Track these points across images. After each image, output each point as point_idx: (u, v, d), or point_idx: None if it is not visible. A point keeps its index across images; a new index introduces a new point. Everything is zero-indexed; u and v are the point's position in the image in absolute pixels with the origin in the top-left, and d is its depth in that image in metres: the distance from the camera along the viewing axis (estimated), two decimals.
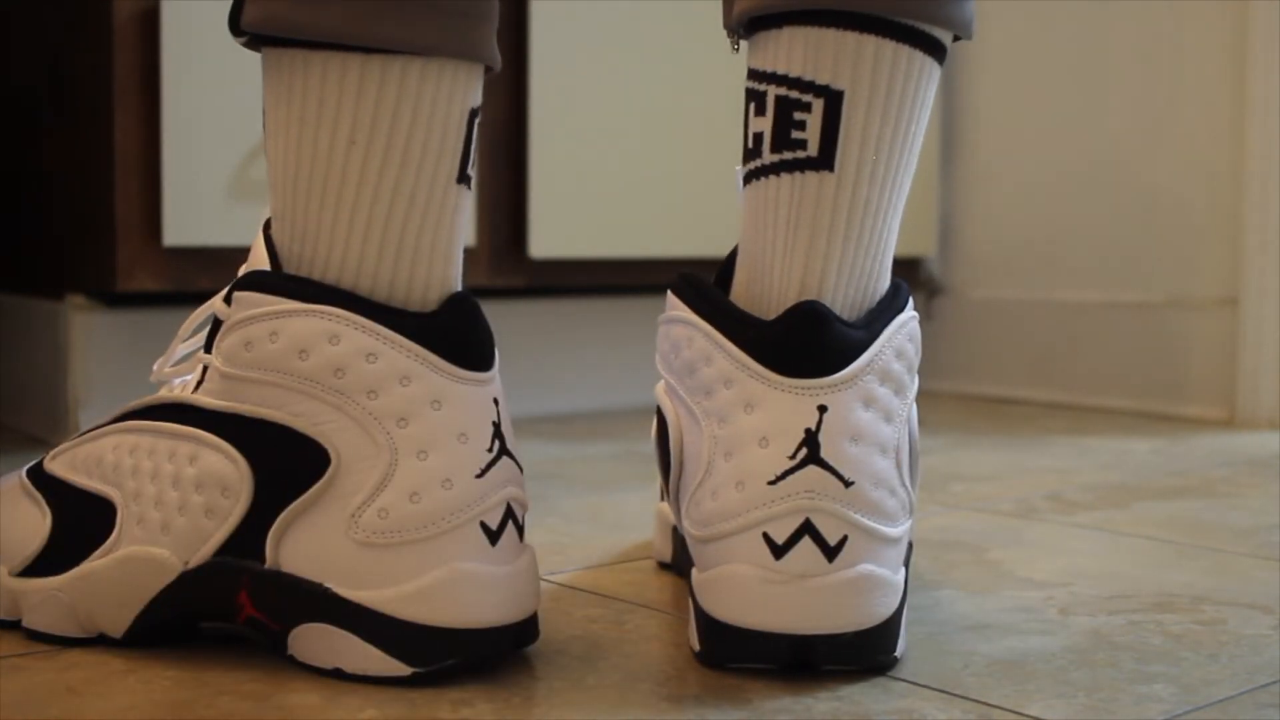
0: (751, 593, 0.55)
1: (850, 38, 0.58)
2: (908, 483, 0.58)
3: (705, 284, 0.60)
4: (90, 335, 1.17)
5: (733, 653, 0.57)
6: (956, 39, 0.62)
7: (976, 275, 1.66)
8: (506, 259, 1.32)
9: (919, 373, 0.63)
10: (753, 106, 0.60)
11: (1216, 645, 0.62)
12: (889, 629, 0.57)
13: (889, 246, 0.61)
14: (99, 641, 0.61)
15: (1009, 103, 1.62)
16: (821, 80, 0.58)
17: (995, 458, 1.16)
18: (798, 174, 0.59)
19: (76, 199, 1.19)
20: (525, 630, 0.58)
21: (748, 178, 0.61)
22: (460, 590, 0.55)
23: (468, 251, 1.29)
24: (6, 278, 1.35)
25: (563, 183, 1.33)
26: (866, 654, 0.56)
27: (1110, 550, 0.82)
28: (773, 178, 0.60)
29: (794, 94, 0.59)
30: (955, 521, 0.89)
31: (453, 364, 0.56)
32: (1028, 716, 0.53)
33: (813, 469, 0.55)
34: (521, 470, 0.58)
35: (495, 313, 1.43)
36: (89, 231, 1.16)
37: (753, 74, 0.60)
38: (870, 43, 0.58)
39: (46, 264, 1.26)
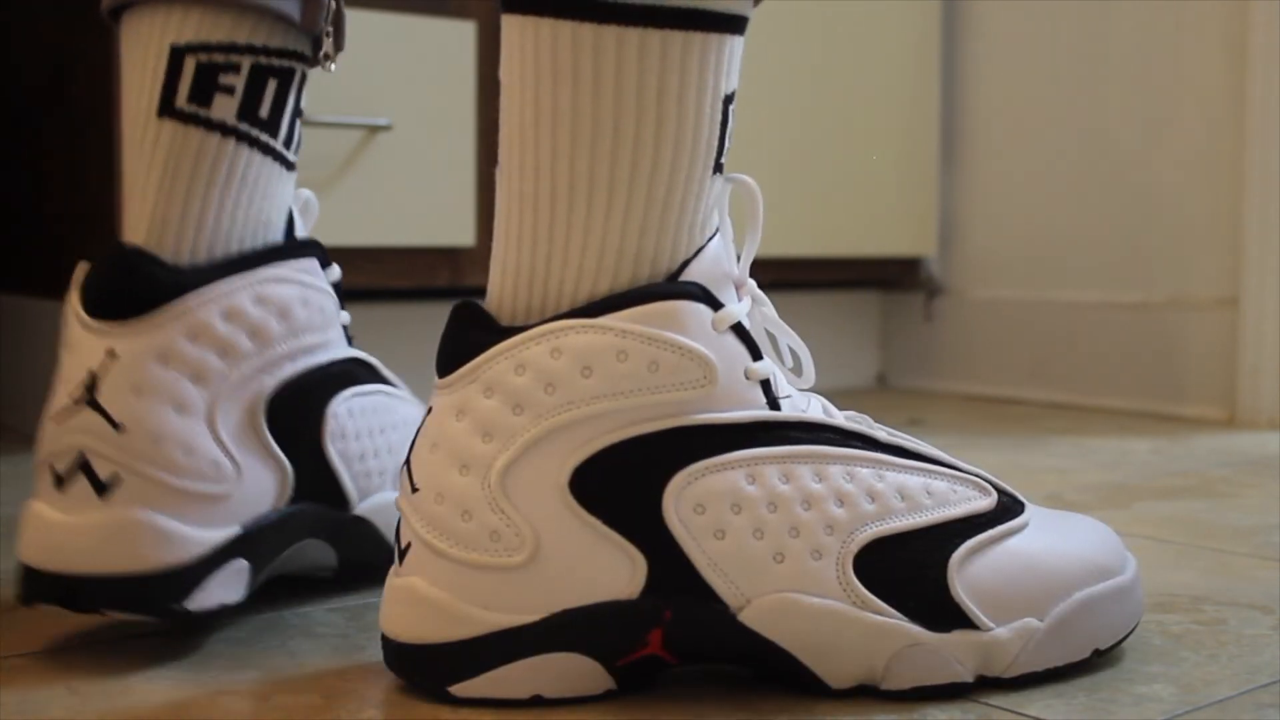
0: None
1: (514, 21, 0.54)
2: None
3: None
4: None
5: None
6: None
7: (976, 275, 1.66)
8: None
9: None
10: None
11: (1216, 645, 0.62)
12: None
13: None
14: (99, 641, 0.61)
15: (1009, 103, 1.62)
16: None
17: (995, 458, 1.16)
18: None
19: (76, 199, 1.19)
20: (81, 587, 0.57)
21: None
22: (24, 525, 0.59)
23: (467, 251, 1.29)
24: (6, 278, 1.35)
25: None
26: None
27: None
28: None
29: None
30: None
31: (87, 313, 0.58)
32: (1028, 716, 0.53)
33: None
34: (116, 427, 0.57)
35: None
36: (88, 231, 1.16)
37: None
38: (531, 25, 0.53)
39: (46, 264, 1.26)
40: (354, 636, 0.63)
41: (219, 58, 0.61)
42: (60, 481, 0.58)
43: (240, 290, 0.60)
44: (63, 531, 0.57)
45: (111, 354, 0.58)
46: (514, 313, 0.55)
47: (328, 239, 1.22)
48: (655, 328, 0.52)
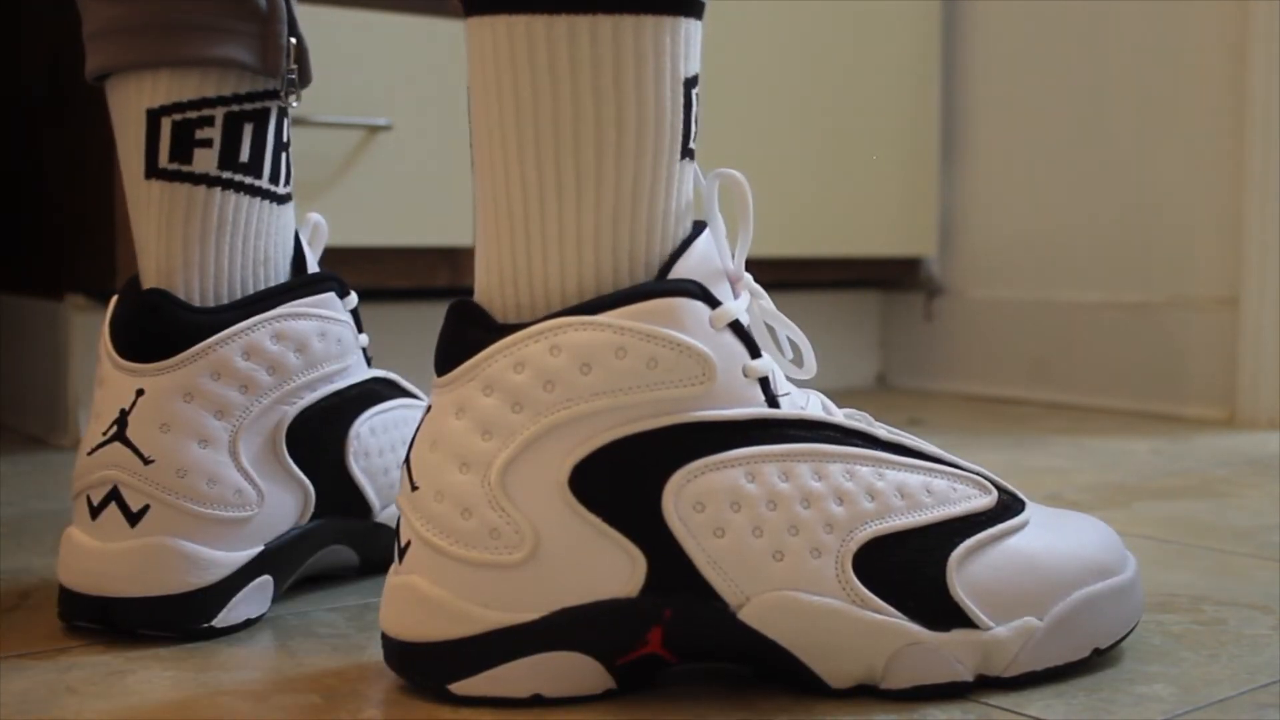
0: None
1: (482, 22, 0.54)
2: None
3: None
4: (90, 335, 1.17)
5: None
6: None
7: (976, 275, 1.66)
8: None
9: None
10: None
11: (1216, 645, 0.62)
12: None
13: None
14: (99, 641, 0.61)
15: (1009, 103, 1.62)
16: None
17: (995, 458, 1.16)
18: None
19: (76, 199, 1.19)
20: (115, 608, 0.61)
21: None
22: (63, 550, 0.63)
23: (468, 251, 1.29)
24: (6, 278, 1.35)
25: None
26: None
27: None
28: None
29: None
30: None
31: (118, 354, 0.63)
32: (1027, 716, 0.53)
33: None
34: (145, 460, 0.61)
35: None
36: (88, 231, 1.16)
37: None
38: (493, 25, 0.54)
39: (46, 264, 1.26)
40: (354, 636, 0.63)
41: (192, 114, 0.65)
42: (95, 511, 0.62)
43: (258, 328, 0.64)
44: (98, 557, 0.61)
45: (140, 393, 0.62)
46: (505, 310, 0.55)
47: (328, 239, 1.22)
48: (654, 325, 0.52)
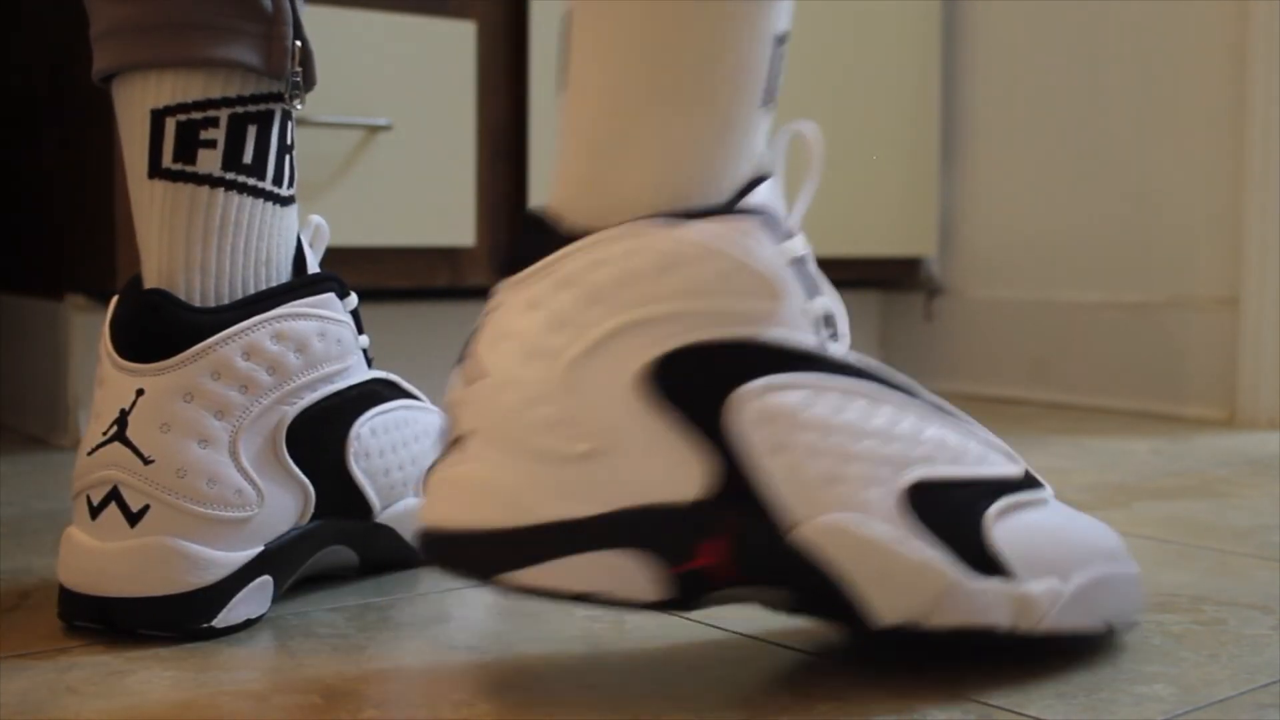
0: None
1: None
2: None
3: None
4: (90, 335, 1.17)
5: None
6: None
7: (976, 275, 1.66)
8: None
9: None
10: None
11: (1216, 645, 0.62)
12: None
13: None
14: (99, 641, 0.61)
15: (1009, 103, 1.62)
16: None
17: None
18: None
19: (76, 199, 1.19)
20: (115, 608, 0.61)
21: None
22: (63, 550, 0.63)
23: (467, 251, 1.29)
24: (6, 278, 1.35)
25: None
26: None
27: None
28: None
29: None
30: None
31: (119, 354, 0.63)
32: (1027, 716, 0.53)
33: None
34: (145, 460, 0.61)
35: None
36: (88, 231, 1.16)
37: None
38: None
39: (46, 264, 1.26)
40: (354, 636, 0.63)
41: (196, 115, 0.65)
42: (95, 511, 0.62)
43: (258, 328, 0.64)
44: (97, 557, 0.61)
45: (140, 393, 0.62)
46: (577, 219, 0.55)
47: (329, 240, 1.22)
48: (733, 241, 0.54)
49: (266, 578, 0.64)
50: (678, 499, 0.53)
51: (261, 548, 0.64)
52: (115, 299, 0.65)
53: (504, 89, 1.31)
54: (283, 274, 0.68)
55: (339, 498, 0.68)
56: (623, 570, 0.53)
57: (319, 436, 0.67)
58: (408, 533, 0.73)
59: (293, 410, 0.65)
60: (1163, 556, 0.80)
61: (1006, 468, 0.58)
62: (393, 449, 0.71)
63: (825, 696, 0.55)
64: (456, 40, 1.26)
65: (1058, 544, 0.57)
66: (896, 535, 0.54)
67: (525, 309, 0.54)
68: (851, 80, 1.57)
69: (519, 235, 0.56)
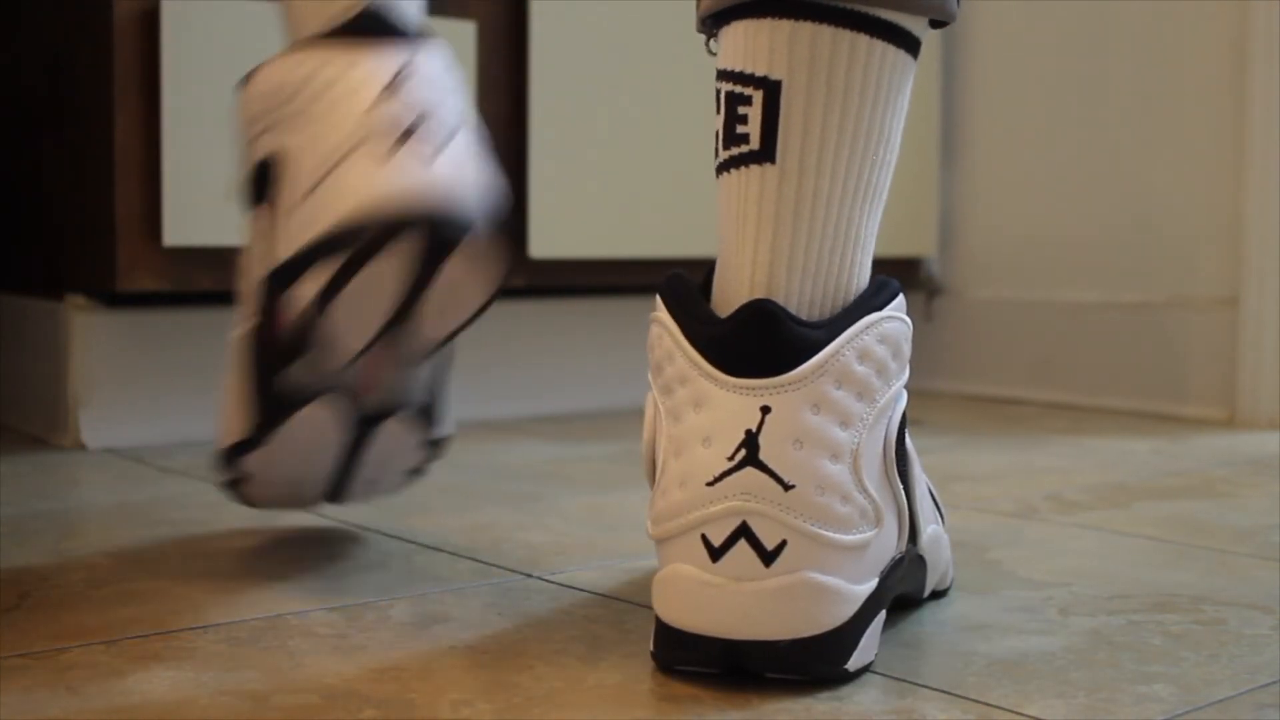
0: (689, 595, 0.55)
1: (786, 26, 0.57)
2: (872, 489, 0.56)
3: (685, 283, 0.59)
4: (90, 335, 1.17)
5: (674, 655, 0.57)
6: (939, 25, 0.61)
7: (976, 275, 1.66)
8: None
9: (915, 373, 0.65)
10: (717, 106, 0.61)
11: (1216, 645, 0.62)
12: (835, 639, 0.55)
13: (857, 242, 0.60)
14: (99, 641, 0.61)
15: (1009, 103, 1.62)
16: (760, 71, 0.58)
17: (995, 458, 1.16)
18: (744, 168, 0.59)
19: (76, 199, 1.19)
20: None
21: (717, 177, 0.61)
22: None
23: None
24: (6, 278, 1.35)
25: (563, 183, 1.33)
26: (809, 664, 0.55)
27: (1110, 550, 0.82)
28: (726, 174, 0.60)
29: (737, 88, 0.59)
30: (955, 521, 0.89)
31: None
32: (1028, 716, 0.53)
33: (750, 470, 0.54)
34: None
35: (495, 313, 1.43)
36: (89, 231, 1.16)
37: (717, 74, 0.61)
38: (807, 30, 0.57)
39: (46, 264, 1.26)
40: (354, 636, 0.63)
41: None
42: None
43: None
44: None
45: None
46: (800, 307, 0.59)
47: None
48: (905, 314, 0.60)
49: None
50: (897, 555, 0.60)
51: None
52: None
53: (504, 89, 1.31)
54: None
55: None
56: (878, 627, 0.59)
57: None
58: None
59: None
60: (1163, 556, 0.80)
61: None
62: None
63: (825, 697, 0.55)
64: (456, 40, 1.26)
65: (943, 549, 0.69)
66: (938, 523, 0.67)
67: (809, 410, 0.55)
68: None
69: (757, 329, 0.55)
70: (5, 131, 1.34)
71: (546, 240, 1.32)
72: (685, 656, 0.56)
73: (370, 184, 0.66)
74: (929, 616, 0.67)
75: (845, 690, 0.55)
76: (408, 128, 0.68)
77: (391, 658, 0.60)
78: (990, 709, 0.53)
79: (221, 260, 1.14)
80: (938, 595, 0.70)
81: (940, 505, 0.70)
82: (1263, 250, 1.39)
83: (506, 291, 1.41)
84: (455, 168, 0.68)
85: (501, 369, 1.42)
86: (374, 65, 0.69)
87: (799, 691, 0.55)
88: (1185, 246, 1.47)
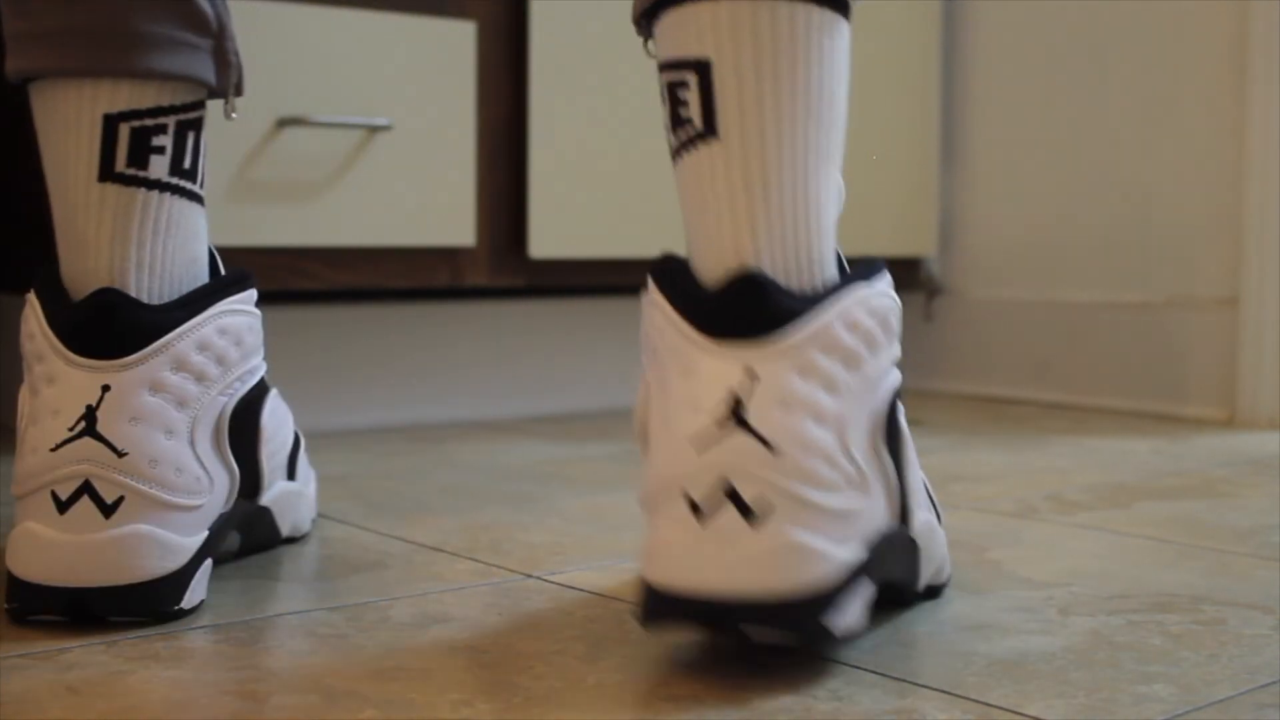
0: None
1: (708, 8, 0.59)
2: (859, 457, 0.58)
3: (676, 262, 0.60)
4: None
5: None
6: None
7: (976, 275, 1.66)
8: (506, 259, 1.32)
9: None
10: (662, 99, 0.62)
11: (1216, 645, 0.62)
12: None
13: (817, 203, 0.60)
14: (99, 641, 0.61)
15: (1009, 103, 1.62)
16: (691, 55, 0.59)
17: (995, 458, 1.16)
18: (693, 150, 0.60)
19: None
20: (90, 599, 0.62)
21: (674, 166, 0.62)
22: (22, 546, 0.63)
23: (467, 251, 1.29)
24: (4, 277, 1.35)
25: (563, 183, 1.33)
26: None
27: (1110, 550, 0.82)
28: (679, 161, 0.61)
29: (675, 75, 0.60)
30: (955, 521, 0.89)
31: (78, 353, 0.64)
32: (1028, 716, 0.53)
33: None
34: (118, 453, 0.63)
35: (495, 313, 1.43)
36: None
37: (658, 70, 0.62)
38: (726, 8, 0.59)
39: (46, 264, 1.26)
40: (354, 636, 0.63)
41: (149, 122, 0.67)
42: (64, 505, 0.63)
43: (206, 324, 0.67)
44: (70, 550, 0.62)
45: (106, 388, 0.63)
46: (775, 274, 0.59)
47: (327, 239, 1.22)
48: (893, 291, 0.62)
49: (209, 560, 0.68)
50: (887, 525, 0.60)
51: (207, 532, 0.67)
52: (36, 295, 0.66)
53: (504, 89, 1.31)
54: (204, 271, 0.71)
55: (248, 481, 0.73)
56: (868, 600, 0.59)
57: (243, 424, 0.71)
58: (281, 514, 0.78)
59: (232, 400, 0.69)
60: (1163, 556, 0.80)
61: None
62: (276, 432, 0.76)
63: (825, 697, 0.55)
64: (456, 40, 1.26)
65: (939, 542, 0.69)
66: (929, 511, 0.67)
67: (796, 375, 0.56)
68: (851, 80, 1.57)
69: (745, 297, 0.57)
70: (3, 132, 1.34)
71: (546, 240, 1.32)
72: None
73: None
74: (928, 616, 0.67)
75: (845, 690, 0.55)
76: None
77: (391, 658, 0.60)
78: (990, 709, 0.53)
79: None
80: (934, 592, 0.70)
81: (936, 503, 0.70)
82: (1263, 250, 1.39)
83: (506, 291, 1.41)
84: None
85: (501, 369, 1.42)
86: None
87: (799, 691, 0.55)
88: (1185, 246, 1.47)
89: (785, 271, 0.59)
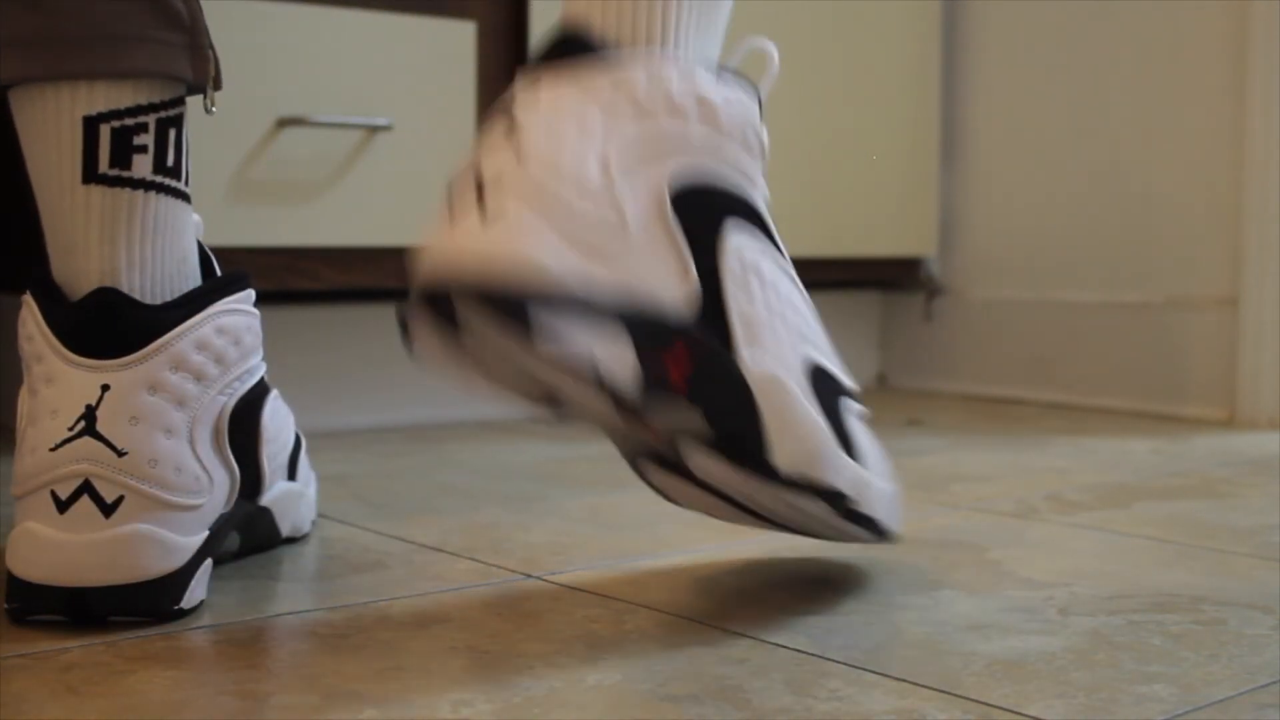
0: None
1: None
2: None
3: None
4: None
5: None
6: None
7: (976, 275, 1.66)
8: None
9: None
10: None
11: (1216, 645, 0.62)
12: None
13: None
14: (99, 641, 0.61)
15: (1009, 103, 1.62)
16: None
17: (995, 458, 1.16)
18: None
19: None
20: (89, 598, 0.63)
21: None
22: (21, 545, 0.63)
23: None
24: (4, 277, 1.35)
25: None
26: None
27: (1110, 550, 0.82)
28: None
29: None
30: (955, 521, 0.89)
31: (75, 352, 0.64)
32: (1028, 716, 0.53)
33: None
34: (118, 452, 0.63)
35: None
36: None
37: None
38: None
39: (45, 265, 1.26)
40: (354, 636, 0.63)
41: (129, 121, 0.68)
42: (64, 505, 0.63)
43: (205, 323, 0.67)
44: (70, 549, 0.63)
45: (106, 388, 0.64)
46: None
47: (327, 239, 1.22)
48: (752, 105, 0.65)
49: (210, 560, 0.68)
50: (666, 300, 0.61)
51: (207, 532, 0.67)
52: (31, 297, 0.67)
53: (504, 89, 1.30)
54: (194, 269, 0.71)
55: (249, 481, 0.72)
56: (614, 345, 0.59)
57: (243, 424, 0.71)
58: (282, 514, 0.79)
59: (231, 400, 0.69)
60: (1163, 556, 0.80)
61: (849, 379, 0.69)
62: (278, 433, 0.76)
63: (825, 696, 0.55)
64: (456, 40, 1.26)
65: (879, 456, 0.70)
66: (806, 398, 0.64)
67: (600, 111, 0.60)
68: (851, 80, 1.57)
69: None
70: (2, 133, 1.34)
71: None
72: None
73: None
74: (929, 616, 0.67)
75: (845, 690, 0.55)
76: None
77: (391, 658, 0.60)
78: (990, 709, 0.53)
79: (221, 261, 1.14)
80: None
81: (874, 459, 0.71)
82: (1263, 250, 1.39)
83: None
84: None
85: None
86: None
87: (799, 691, 0.55)
88: (1185, 246, 1.47)
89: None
